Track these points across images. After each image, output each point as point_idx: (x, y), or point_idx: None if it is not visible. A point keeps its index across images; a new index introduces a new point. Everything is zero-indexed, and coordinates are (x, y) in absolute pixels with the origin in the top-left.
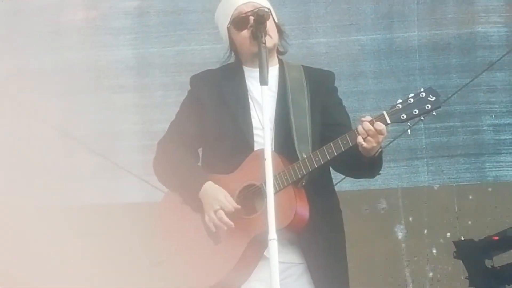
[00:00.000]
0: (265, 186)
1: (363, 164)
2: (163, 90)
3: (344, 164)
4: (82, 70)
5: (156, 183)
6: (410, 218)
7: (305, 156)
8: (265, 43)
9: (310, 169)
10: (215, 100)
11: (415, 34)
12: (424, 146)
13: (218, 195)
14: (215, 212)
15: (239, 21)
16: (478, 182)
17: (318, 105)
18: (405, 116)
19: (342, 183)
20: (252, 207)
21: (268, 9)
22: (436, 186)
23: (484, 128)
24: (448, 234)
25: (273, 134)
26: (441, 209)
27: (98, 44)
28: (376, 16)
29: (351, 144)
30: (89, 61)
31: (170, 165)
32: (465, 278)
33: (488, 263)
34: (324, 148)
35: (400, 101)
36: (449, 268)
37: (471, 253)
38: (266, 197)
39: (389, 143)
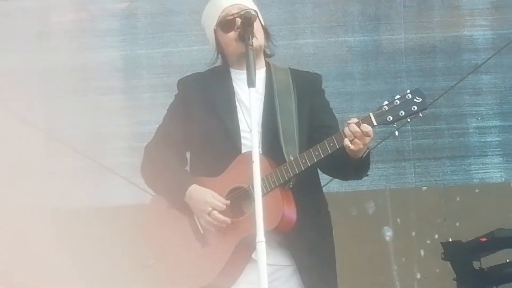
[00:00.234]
0: (252, 189)
1: (351, 165)
2: (151, 92)
3: (331, 166)
4: (69, 72)
5: (144, 185)
6: (398, 220)
7: (292, 158)
8: (252, 45)
9: (297, 172)
10: (202, 103)
11: (402, 37)
12: (411, 148)
13: (206, 197)
14: (209, 214)
15: (225, 23)
16: (465, 184)
17: (305, 108)
18: (391, 118)
19: (330, 185)
20: (239, 209)
21: (255, 11)
22: (424, 188)
23: (470, 130)
24: (436, 236)
25: (261, 137)
26: (429, 211)
27: (85, 45)
28: (363, 18)
29: (337, 146)
30: (76, 62)
31: (156, 170)
32: (453, 279)
33: (476, 264)
34: (311, 151)
35: (386, 102)
36: (437, 270)
37: (459, 254)
38: (253, 199)
39: (377, 145)
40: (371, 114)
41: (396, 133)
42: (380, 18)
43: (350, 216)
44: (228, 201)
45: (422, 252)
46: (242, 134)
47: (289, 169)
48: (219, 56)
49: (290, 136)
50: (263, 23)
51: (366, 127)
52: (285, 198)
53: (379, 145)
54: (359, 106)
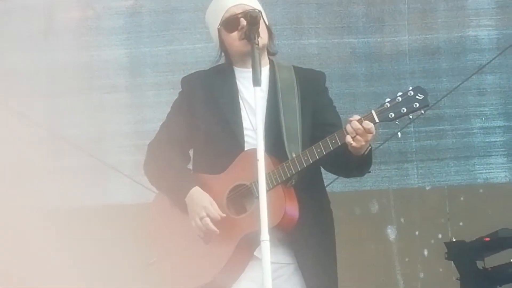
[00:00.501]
0: (255, 186)
1: (353, 162)
2: (155, 90)
3: (334, 163)
4: (74, 70)
5: (147, 184)
6: (402, 219)
7: (294, 155)
8: (258, 44)
9: (299, 168)
10: (206, 101)
11: (406, 38)
12: (414, 149)
13: (204, 202)
14: (201, 219)
15: (229, 23)
16: (469, 184)
17: (308, 106)
18: (393, 115)
19: (334, 184)
20: (241, 207)
21: (259, 10)
22: (427, 188)
23: (474, 131)
24: (440, 235)
25: (264, 134)
26: (433, 210)
27: (90, 44)
28: (367, 19)
29: (339, 143)
30: (81, 61)
31: (159, 168)
32: (457, 279)
33: (479, 264)
34: (313, 147)
35: (388, 99)
36: (441, 269)
37: (462, 254)
38: (256, 197)
39: (379, 146)
40: (373, 111)
41: (399, 134)
42: (384, 20)
43: (354, 216)
44: (224, 215)
45: (425, 252)
46: (245, 131)
47: (292, 167)
48: (223, 54)
49: (293, 134)
50: (267, 23)
51: (368, 124)
52: (288, 195)
53: (381, 147)
54: (363, 107)
